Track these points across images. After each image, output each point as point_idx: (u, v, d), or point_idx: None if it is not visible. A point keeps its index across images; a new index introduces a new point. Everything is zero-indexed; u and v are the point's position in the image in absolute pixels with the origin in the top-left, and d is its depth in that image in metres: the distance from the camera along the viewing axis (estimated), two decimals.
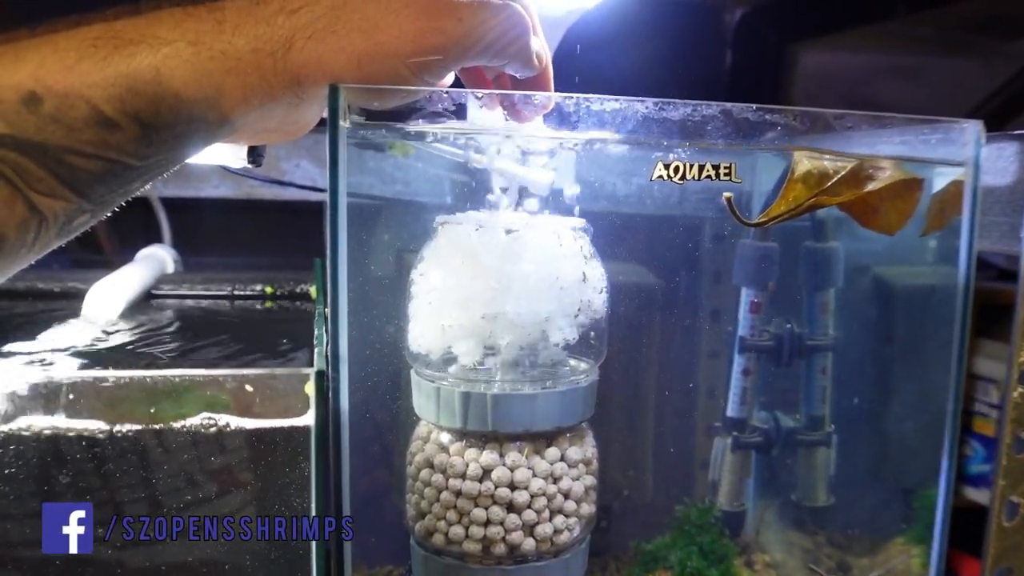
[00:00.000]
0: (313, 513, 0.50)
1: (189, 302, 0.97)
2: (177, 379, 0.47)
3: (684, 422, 0.97)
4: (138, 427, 0.47)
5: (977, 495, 0.97)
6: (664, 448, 0.96)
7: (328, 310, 0.55)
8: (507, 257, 0.63)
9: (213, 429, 0.48)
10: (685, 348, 0.94)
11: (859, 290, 0.95)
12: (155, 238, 1.12)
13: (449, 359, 0.65)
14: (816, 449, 0.95)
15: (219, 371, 0.48)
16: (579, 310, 0.64)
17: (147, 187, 1.15)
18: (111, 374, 0.47)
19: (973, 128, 0.70)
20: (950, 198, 0.75)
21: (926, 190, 0.74)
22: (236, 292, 0.98)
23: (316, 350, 0.55)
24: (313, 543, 0.52)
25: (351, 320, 0.68)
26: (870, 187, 0.70)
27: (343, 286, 0.55)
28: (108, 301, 0.83)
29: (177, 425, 0.47)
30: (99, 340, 0.70)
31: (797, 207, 0.67)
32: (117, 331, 0.75)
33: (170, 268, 1.04)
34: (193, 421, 0.47)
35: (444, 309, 0.63)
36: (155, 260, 1.01)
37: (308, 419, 0.49)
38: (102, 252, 1.11)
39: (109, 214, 0.56)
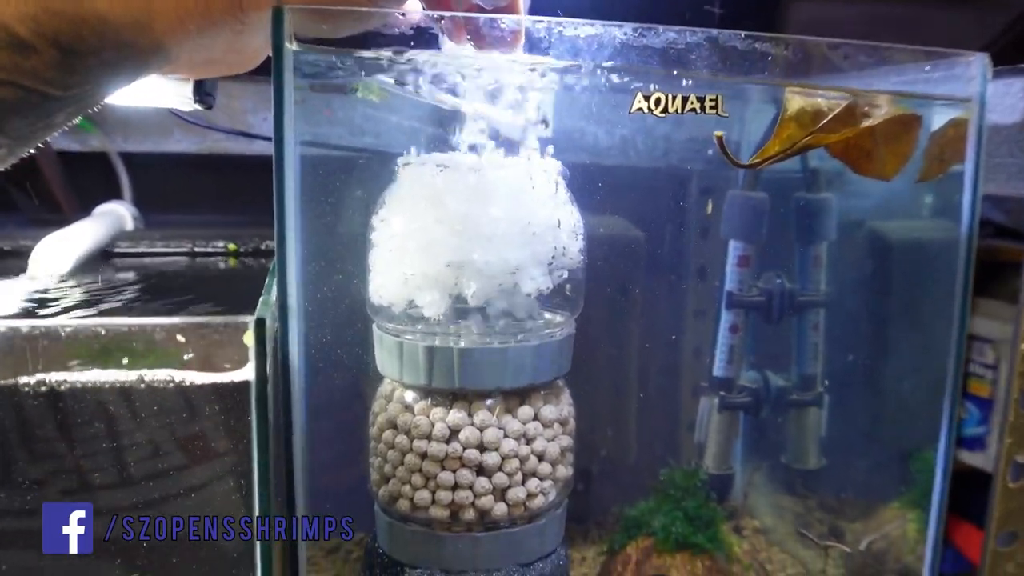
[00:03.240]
0: (256, 480, 0.45)
1: (147, 260, 0.92)
2: (98, 329, 0.42)
3: (669, 381, 0.93)
4: (48, 379, 0.42)
5: (972, 458, 0.93)
6: (648, 408, 0.91)
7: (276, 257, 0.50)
8: (474, 200, 0.58)
9: (140, 384, 0.43)
10: (671, 304, 0.89)
11: (853, 244, 0.91)
12: (116, 195, 1.06)
13: (413, 312, 0.60)
14: (807, 410, 0.91)
15: (145, 320, 0.43)
16: (553, 258, 0.60)
17: (106, 142, 1.09)
18: (13, 323, 0.42)
19: (979, 61, 0.65)
20: (950, 140, 0.70)
21: (924, 130, 0.69)
22: (197, 249, 0.93)
23: (262, 299, 0.50)
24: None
25: (313, 276, 0.63)
26: (865, 124, 0.65)
27: (291, 228, 0.50)
28: (55, 257, 0.78)
29: (90, 379, 0.42)
30: (37, 296, 0.64)
31: (792, 146, 0.62)
32: (60, 288, 0.70)
33: (129, 225, 0.98)
34: (115, 375, 0.42)
35: (405, 257, 0.58)
36: (112, 217, 0.95)
37: (248, 373, 0.44)
38: (60, 211, 1.06)
39: (28, 152, 0.51)
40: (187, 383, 0.44)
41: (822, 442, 0.92)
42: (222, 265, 0.92)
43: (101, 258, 0.90)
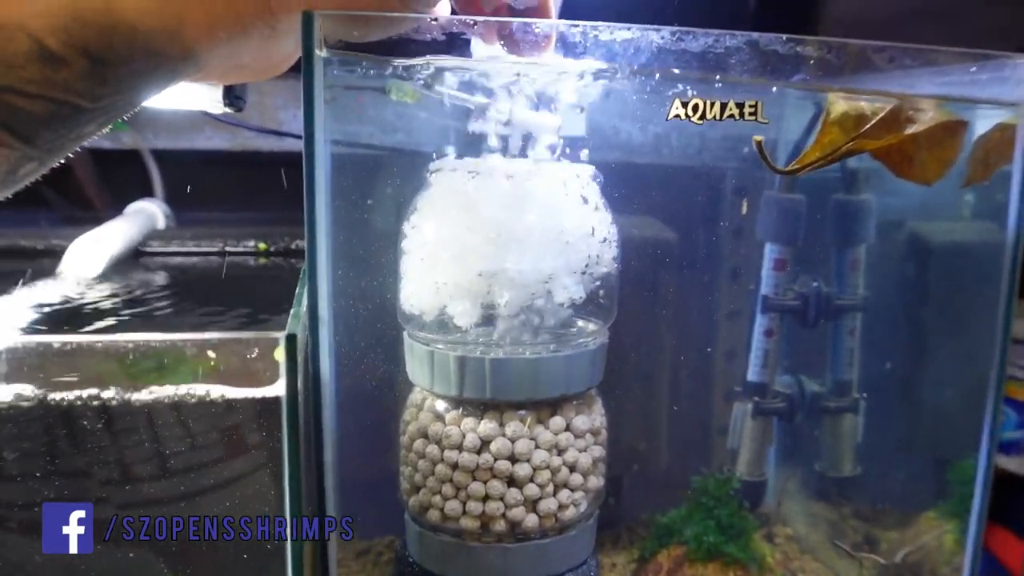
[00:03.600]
0: (287, 494, 0.44)
1: (178, 259, 0.92)
2: (128, 344, 0.41)
3: (702, 386, 0.91)
4: (78, 396, 0.42)
5: (1008, 463, 0.92)
6: (681, 415, 0.90)
7: (306, 266, 0.49)
8: (507, 207, 0.57)
9: (170, 400, 0.42)
10: (704, 307, 0.88)
11: (892, 247, 0.88)
12: (148, 193, 1.07)
13: (444, 321, 0.59)
14: (843, 416, 0.90)
15: (176, 336, 0.42)
16: (586, 266, 0.58)
17: (138, 139, 1.09)
18: (40, 339, 0.42)
19: None
20: (995, 144, 0.68)
21: (968, 135, 0.67)
22: (228, 249, 0.93)
23: (292, 311, 0.49)
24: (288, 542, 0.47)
25: (344, 281, 0.63)
26: (911, 130, 0.63)
27: (322, 237, 0.49)
28: (87, 258, 0.78)
29: (122, 396, 0.42)
30: (69, 300, 0.65)
31: (834, 152, 0.61)
32: (92, 290, 0.70)
33: (161, 224, 0.98)
34: (148, 393, 0.42)
35: (437, 265, 0.57)
36: (144, 215, 0.95)
37: (279, 389, 0.43)
38: (93, 208, 1.06)
39: (59, 162, 0.51)
40: (218, 398, 0.43)
41: (857, 449, 0.90)
42: (251, 263, 0.91)
43: (133, 257, 0.90)
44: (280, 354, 0.43)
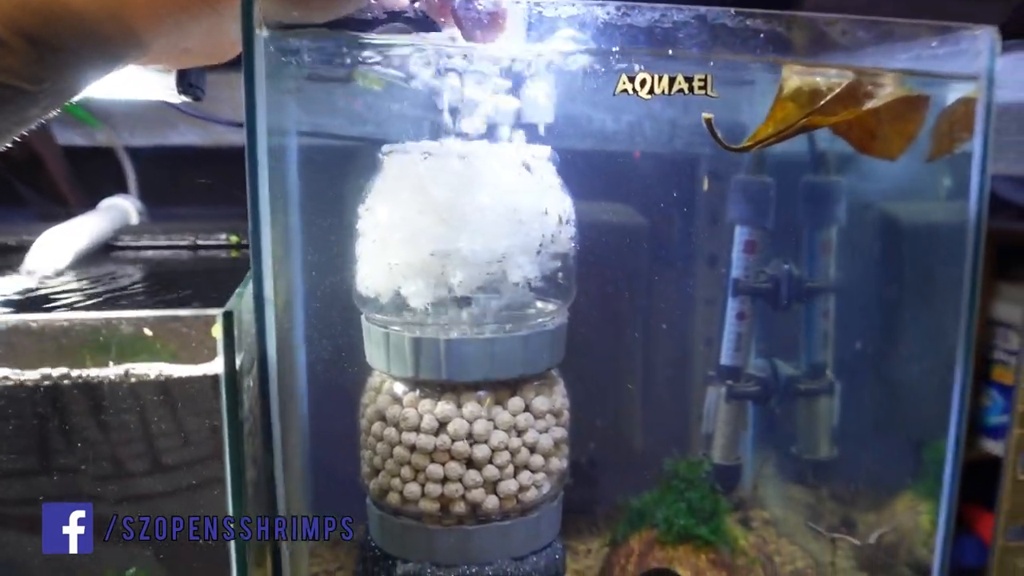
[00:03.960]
0: (228, 477, 0.44)
1: (150, 253, 0.92)
2: (63, 323, 0.41)
3: (678, 371, 0.91)
4: (5, 376, 0.41)
5: (996, 447, 0.91)
6: (654, 399, 0.90)
7: (250, 247, 0.49)
8: (459, 187, 0.56)
9: (104, 378, 0.42)
10: (675, 293, 0.88)
11: (863, 228, 0.88)
12: (122, 189, 1.06)
13: (400, 303, 0.59)
14: (817, 399, 0.89)
15: (112, 314, 0.42)
16: (541, 245, 0.58)
17: (112, 136, 1.09)
18: None
19: (987, 35, 0.63)
20: (960, 117, 0.68)
21: (933, 108, 0.67)
22: (199, 242, 0.93)
23: (236, 291, 0.49)
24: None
25: (316, 273, 0.63)
26: (869, 105, 0.63)
27: (265, 215, 0.49)
28: (54, 251, 0.78)
29: (55, 375, 0.42)
30: (29, 290, 0.64)
31: (787, 128, 0.60)
32: (54, 281, 0.70)
33: (134, 219, 0.98)
34: (82, 370, 0.42)
35: (390, 246, 0.57)
36: (116, 211, 0.95)
37: (216, 366, 0.43)
38: (67, 205, 1.06)
39: (7, 147, 0.50)
40: (157, 377, 0.43)
41: (833, 432, 0.90)
42: (223, 256, 0.91)
43: (104, 252, 0.90)
44: (218, 331, 0.43)
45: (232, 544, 0.46)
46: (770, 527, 0.91)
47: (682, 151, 0.88)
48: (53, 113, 0.52)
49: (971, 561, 0.83)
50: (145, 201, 1.03)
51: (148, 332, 0.42)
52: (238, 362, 0.45)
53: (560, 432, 0.63)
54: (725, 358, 0.87)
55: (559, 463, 0.63)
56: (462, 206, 0.56)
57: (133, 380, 0.43)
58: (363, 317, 0.62)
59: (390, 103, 0.73)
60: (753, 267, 0.85)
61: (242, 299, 0.47)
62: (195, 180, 1.10)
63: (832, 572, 0.80)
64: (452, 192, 0.56)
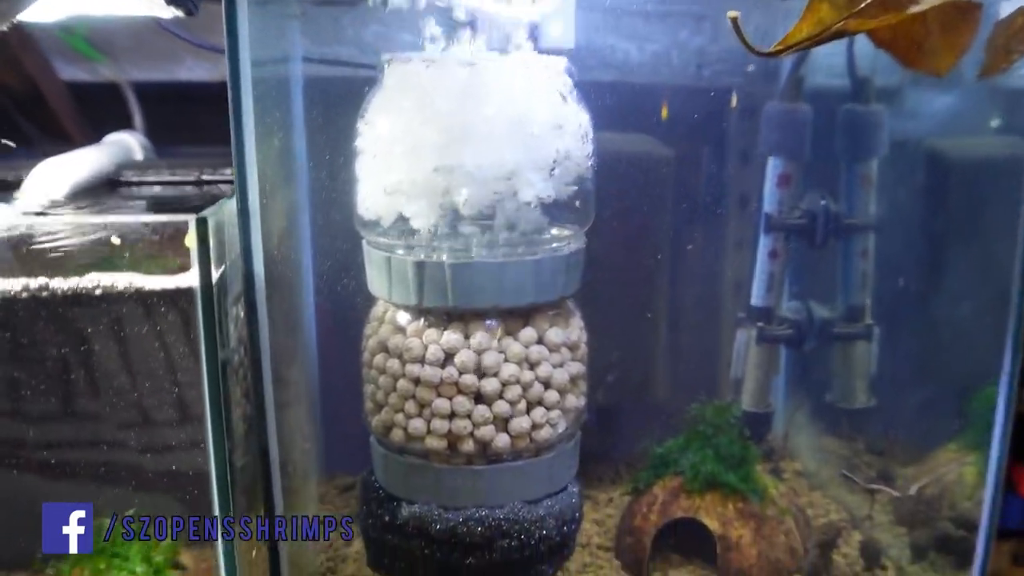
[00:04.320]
0: (207, 398, 0.40)
1: (154, 188, 0.88)
2: (23, 229, 0.37)
3: (703, 314, 0.86)
4: None
5: None
6: (679, 342, 0.85)
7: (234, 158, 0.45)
8: (464, 98, 0.52)
9: (73, 290, 0.38)
10: (703, 229, 0.83)
11: (906, 161, 0.82)
12: (128, 126, 1.03)
13: (403, 226, 0.55)
14: (854, 343, 0.84)
15: (77, 219, 0.38)
16: (555, 162, 0.53)
17: (117, 71, 1.05)
18: None
19: None
20: (1017, 30, 0.62)
21: (987, 19, 0.61)
22: (204, 177, 0.89)
23: (219, 202, 0.45)
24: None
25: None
26: (914, 9, 0.57)
27: (247, 124, 0.45)
28: (50, 181, 0.74)
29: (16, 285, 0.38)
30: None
31: (821, 32, 0.54)
32: (48, 209, 0.66)
33: (138, 156, 0.95)
34: (47, 280, 0.38)
35: (391, 162, 0.53)
36: (118, 146, 0.91)
37: (191, 279, 0.39)
38: (71, 142, 1.02)
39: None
40: (126, 290, 0.39)
41: (871, 379, 0.85)
42: (227, 190, 0.87)
43: (106, 187, 0.86)
44: (191, 240, 0.39)
45: (214, 484, 0.42)
46: (801, 479, 0.87)
47: (710, 81, 0.83)
48: None
49: (1015, 523, 0.78)
50: (151, 138, 1.00)
51: (116, 240, 0.38)
52: (216, 275, 0.41)
53: (577, 367, 0.58)
54: (756, 299, 0.82)
55: (576, 400, 0.59)
56: (467, 117, 0.51)
57: (100, 292, 0.39)
58: (364, 242, 0.58)
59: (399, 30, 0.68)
60: (787, 202, 0.80)
61: (223, 210, 0.43)
62: (203, 116, 1.06)
63: (869, 526, 0.75)
64: (456, 103, 0.52)
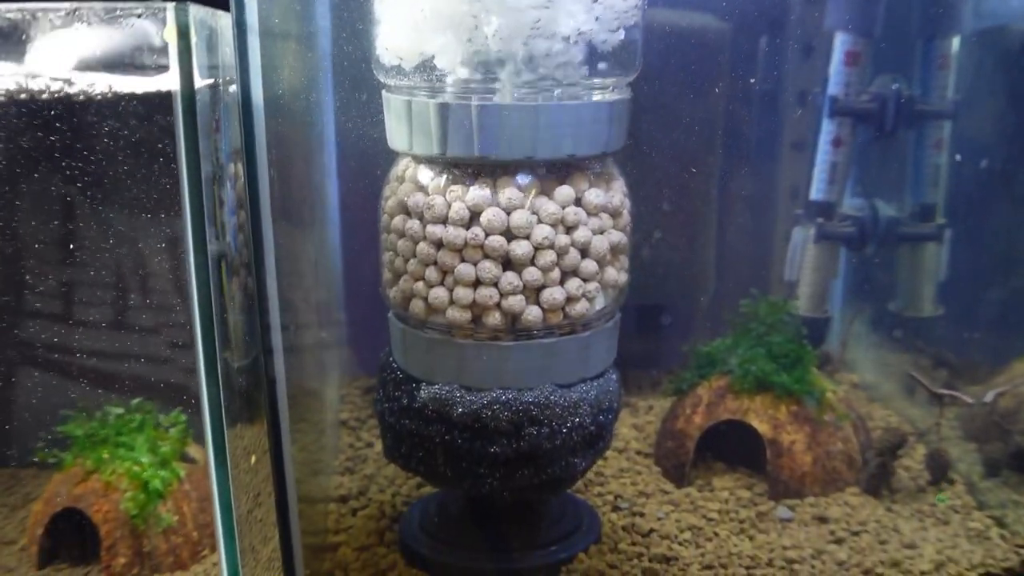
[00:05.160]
0: (189, 227, 0.34)
1: None
2: None
3: (756, 208, 0.79)
4: None
5: None
6: (728, 238, 0.78)
7: None
8: None
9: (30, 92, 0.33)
10: (761, 105, 0.75)
11: (990, 40, 0.74)
12: None
13: (426, 67, 0.48)
14: (923, 246, 0.77)
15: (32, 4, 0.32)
16: None
17: None
18: None
19: None
20: None
21: None
22: None
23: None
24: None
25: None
26: None
27: None
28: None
29: None
30: None
31: None
32: None
33: None
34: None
35: None
36: None
37: (170, 81, 0.33)
38: None
39: None
40: (102, 91, 0.33)
41: (940, 286, 0.77)
42: None
43: None
44: (171, 34, 0.33)
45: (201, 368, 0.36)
46: (859, 391, 0.80)
47: None
48: None
49: None
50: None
51: (81, 27, 0.33)
52: (202, 81, 0.35)
53: (618, 236, 0.52)
54: (816, 192, 0.75)
55: (615, 275, 0.52)
56: None
57: (70, 92, 0.33)
58: (383, 92, 0.51)
59: None
60: (855, 83, 0.72)
61: (219, 19, 0.37)
62: None
63: (936, 440, 0.68)
64: None
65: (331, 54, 0.60)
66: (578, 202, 0.50)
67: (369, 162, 0.57)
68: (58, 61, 0.34)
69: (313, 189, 0.64)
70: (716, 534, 0.60)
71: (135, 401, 0.58)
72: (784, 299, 0.69)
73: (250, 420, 0.49)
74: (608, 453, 0.67)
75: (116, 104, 0.34)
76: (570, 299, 0.50)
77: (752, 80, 0.74)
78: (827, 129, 0.73)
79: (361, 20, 0.54)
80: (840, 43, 0.72)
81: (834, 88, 0.72)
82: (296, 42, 0.55)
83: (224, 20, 0.40)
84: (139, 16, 0.33)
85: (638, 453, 0.70)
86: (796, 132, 0.77)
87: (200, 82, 0.35)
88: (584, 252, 0.50)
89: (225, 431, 0.41)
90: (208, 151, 0.36)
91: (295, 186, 0.56)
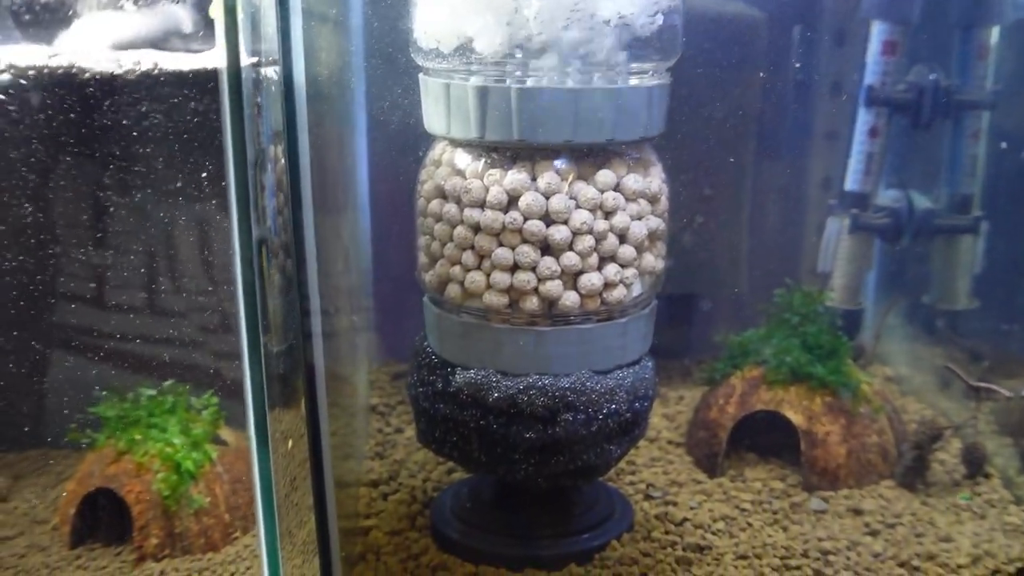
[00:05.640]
0: (235, 220, 0.34)
1: None
2: None
3: (790, 199, 0.78)
4: None
5: None
6: (761, 229, 0.78)
7: None
8: None
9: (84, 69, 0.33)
10: (796, 93, 0.74)
11: None
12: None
13: (465, 50, 0.48)
14: (959, 238, 0.76)
15: None
16: None
17: None
18: None
19: None
20: None
21: None
22: None
23: None
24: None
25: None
26: None
27: None
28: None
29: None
30: None
31: None
32: None
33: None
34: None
35: None
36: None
37: (216, 58, 0.33)
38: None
39: None
40: (149, 68, 0.33)
41: (976, 278, 0.76)
42: None
43: None
44: (217, 9, 0.33)
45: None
46: (892, 384, 0.79)
47: None
48: None
49: None
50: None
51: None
52: (247, 59, 0.35)
53: (656, 223, 0.52)
54: (851, 183, 0.74)
55: (653, 261, 0.52)
56: None
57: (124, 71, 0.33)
58: (421, 75, 0.51)
59: None
60: (892, 73, 0.72)
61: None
62: None
63: (972, 434, 0.68)
64: None
65: (364, 36, 0.60)
66: (616, 187, 0.49)
67: (400, 146, 0.57)
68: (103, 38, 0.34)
69: (345, 173, 0.64)
70: (749, 524, 0.60)
71: (167, 383, 0.59)
72: (819, 289, 0.69)
73: (286, 405, 0.49)
74: (640, 442, 0.66)
75: (162, 83, 0.34)
76: (608, 285, 0.50)
77: (789, 68, 0.74)
78: (863, 119, 0.72)
79: (397, 2, 0.54)
80: (877, 32, 0.71)
81: (871, 77, 0.71)
82: (333, 24, 0.55)
83: (267, 0, 0.40)
84: None
85: (669, 443, 0.69)
86: (830, 121, 0.77)
87: (245, 60, 0.35)
88: (622, 238, 0.50)
89: (267, 415, 0.41)
90: (251, 133, 0.36)
91: (329, 170, 0.56)
